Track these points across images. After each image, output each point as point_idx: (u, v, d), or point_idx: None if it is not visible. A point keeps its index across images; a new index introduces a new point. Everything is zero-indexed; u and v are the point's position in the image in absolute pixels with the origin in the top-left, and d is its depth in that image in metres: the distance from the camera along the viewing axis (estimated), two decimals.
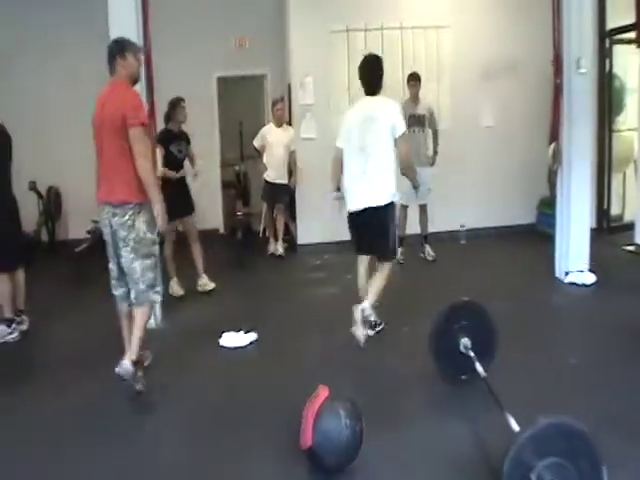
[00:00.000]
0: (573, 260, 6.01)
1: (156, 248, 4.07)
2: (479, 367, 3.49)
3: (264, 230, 8.40)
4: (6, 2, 8.14)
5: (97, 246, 7.27)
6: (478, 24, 7.99)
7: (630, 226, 7.27)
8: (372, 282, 4.70)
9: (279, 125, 7.70)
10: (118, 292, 4.09)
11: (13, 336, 4.99)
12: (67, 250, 7.29)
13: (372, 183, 4.52)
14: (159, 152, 5.79)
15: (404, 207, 7.03)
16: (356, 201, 4.61)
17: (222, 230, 9.39)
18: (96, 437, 3.47)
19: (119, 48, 3.98)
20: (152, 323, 5.15)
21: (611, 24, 7.52)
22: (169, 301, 5.62)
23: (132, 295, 3.99)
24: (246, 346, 4.73)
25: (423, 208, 7.21)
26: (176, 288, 6.23)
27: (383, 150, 4.51)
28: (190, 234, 6.28)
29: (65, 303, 6.05)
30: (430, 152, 7.11)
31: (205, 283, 6.30)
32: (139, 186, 3.85)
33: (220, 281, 6.39)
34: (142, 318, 3.97)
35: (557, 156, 5.94)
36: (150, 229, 3.97)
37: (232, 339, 4.78)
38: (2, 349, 4.89)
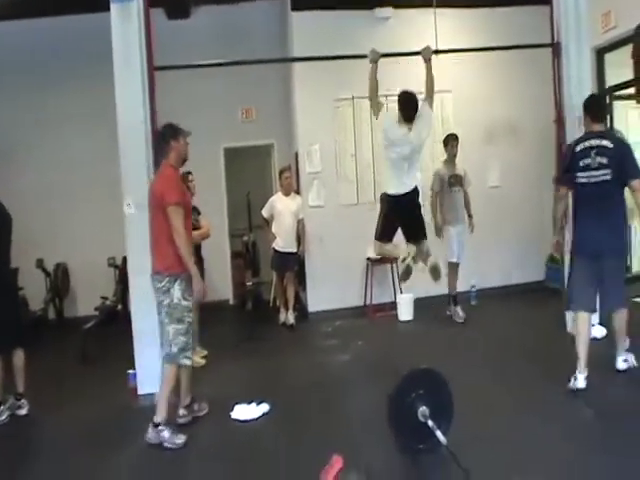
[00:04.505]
0: None
1: (191, 315, 4.33)
2: (440, 435, 3.44)
3: (274, 299, 8.33)
4: (16, 84, 8.47)
5: (105, 323, 7.32)
6: (478, 87, 8.18)
7: (639, 277, 7.15)
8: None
9: (287, 194, 7.73)
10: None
11: (1, 419, 4.82)
12: (75, 327, 7.21)
13: None
14: None
15: (452, 264, 7.14)
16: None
17: (232, 301, 9.33)
18: None
19: (174, 132, 4.40)
20: None
21: (610, 81, 7.62)
22: None
23: (163, 354, 4.31)
24: (259, 418, 4.57)
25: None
26: (197, 359, 6.08)
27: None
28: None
29: (72, 382, 5.90)
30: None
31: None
32: (175, 259, 4.20)
33: (231, 352, 6.28)
34: (168, 378, 4.28)
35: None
36: (185, 297, 4.27)
37: (244, 411, 4.63)
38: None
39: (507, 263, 8.10)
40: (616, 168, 4.51)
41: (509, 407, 4.41)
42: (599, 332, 5.77)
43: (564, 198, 4.86)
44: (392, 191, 5.33)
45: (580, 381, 4.48)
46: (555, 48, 5.96)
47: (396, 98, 5.32)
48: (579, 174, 4.60)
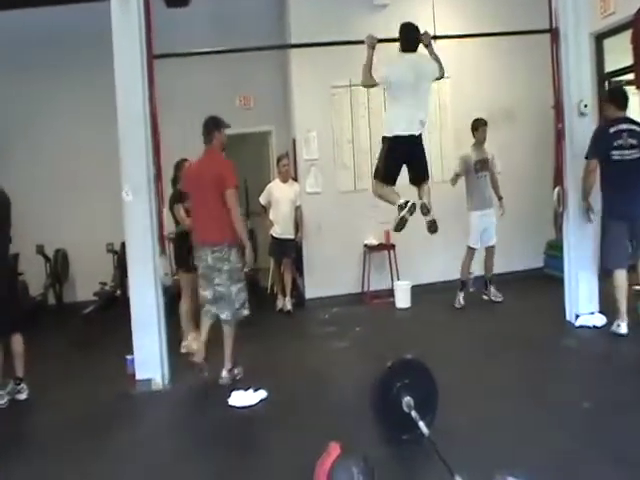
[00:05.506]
0: (583, 302, 5.94)
1: (243, 275, 5.18)
2: (423, 426, 3.41)
3: (272, 286, 8.35)
4: (18, 71, 8.40)
5: (104, 308, 7.36)
6: (477, 73, 8.15)
7: None
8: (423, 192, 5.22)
9: (285, 181, 7.74)
10: (207, 309, 5.17)
11: (1, 403, 4.86)
12: (75, 312, 7.26)
13: None
14: (181, 209, 6.01)
15: (472, 249, 7.18)
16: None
17: None
18: None
19: (217, 124, 5.11)
20: (159, 384, 5.11)
21: (609, 67, 7.60)
22: (178, 360, 5.55)
23: (227, 314, 5.08)
24: (256, 404, 4.60)
25: (492, 250, 7.31)
26: (194, 345, 6.11)
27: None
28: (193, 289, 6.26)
29: (71, 367, 5.96)
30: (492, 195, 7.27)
31: (189, 345, 6.17)
32: (230, 231, 4.94)
33: None
34: (231, 334, 5.13)
35: (562, 199, 5.94)
36: (240, 260, 5.07)
37: (242, 398, 4.66)
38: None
39: (506, 250, 8.07)
40: None
41: (502, 394, 4.41)
42: (599, 320, 5.81)
43: (594, 171, 5.56)
44: (397, 132, 4.99)
45: (623, 328, 5.39)
46: (553, 34, 5.92)
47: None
48: (613, 152, 5.45)
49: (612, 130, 5.47)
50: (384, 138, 5.14)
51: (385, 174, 5.11)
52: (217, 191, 4.90)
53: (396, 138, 5.00)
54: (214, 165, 5.02)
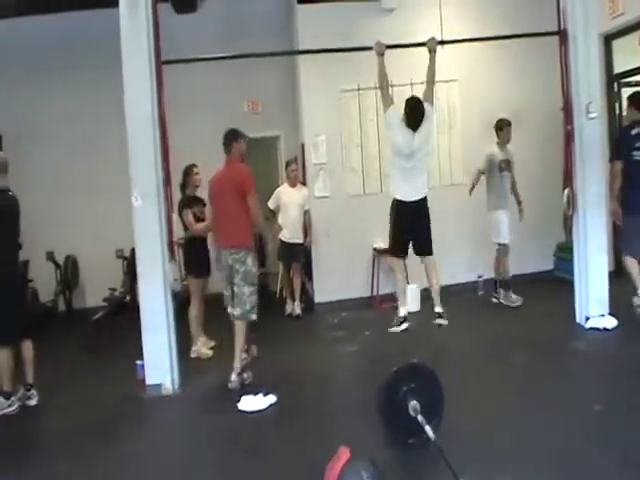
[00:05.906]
0: (593, 305, 5.90)
1: (257, 280, 5.34)
2: (429, 431, 3.39)
3: (281, 290, 8.35)
4: (27, 75, 8.48)
5: (114, 314, 7.37)
6: (486, 75, 8.11)
7: None
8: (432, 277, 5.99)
9: (293, 185, 7.74)
10: (229, 311, 5.32)
11: (11, 409, 4.87)
12: (84, 318, 7.28)
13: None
14: (189, 214, 6.15)
15: (504, 246, 7.21)
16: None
17: None
18: None
19: (234, 135, 5.39)
20: (169, 389, 5.11)
21: (618, 68, 7.57)
22: (188, 364, 5.55)
23: (238, 312, 5.22)
24: (265, 409, 4.59)
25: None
26: (204, 350, 6.18)
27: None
28: (203, 294, 6.33)
29: (80, 373, 5.96)
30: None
31: (198, 350, 6.22)
32: (248, 236, 5.24)
33: None
34: (242, 331, 5.24)
35: (571, 201, 5.91)
36: (255, 265, 5.27)
37: (251, 402, 4.65)
38: (7, 422, 4.75)
39: (516, 252, 8.03)
40: None
41: (511, 396, 4.39)
42: (609, 323, 5.78)
43: (620, 173, 5.86)
44: (401, 197, 5.44)
45: None
46: (562, 35, 5.90)
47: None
48: (634, 153, 5.81)
49: (633, 132, 5.84)
50: (392, 203, 5.79)
51: (395, 245, 5.79)
52: (237, 197, 5.16)
53: (399, 202, 5.58)
54: (233, 173, 5.28)
